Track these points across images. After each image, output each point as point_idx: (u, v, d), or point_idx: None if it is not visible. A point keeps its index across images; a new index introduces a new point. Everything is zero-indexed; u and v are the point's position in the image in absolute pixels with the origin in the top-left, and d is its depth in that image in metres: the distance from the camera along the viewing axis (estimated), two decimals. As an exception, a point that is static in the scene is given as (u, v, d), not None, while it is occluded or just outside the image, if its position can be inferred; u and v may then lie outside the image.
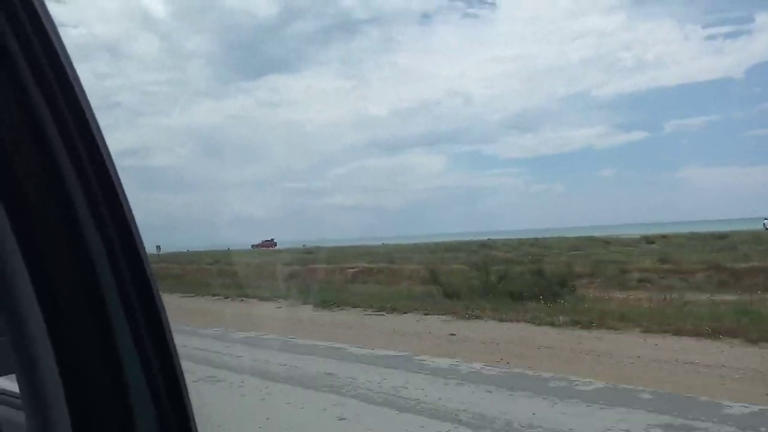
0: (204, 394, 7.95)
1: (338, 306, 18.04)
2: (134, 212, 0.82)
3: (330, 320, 15.55)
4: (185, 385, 0.84)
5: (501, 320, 13.77)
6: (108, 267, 0.77)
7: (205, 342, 12.33)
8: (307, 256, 44.68)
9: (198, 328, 14.25)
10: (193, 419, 0.84)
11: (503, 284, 18.03)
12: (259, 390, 8.21)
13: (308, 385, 8.36)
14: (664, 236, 42.34)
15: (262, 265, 37.60)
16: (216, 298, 23.08)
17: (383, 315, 15.94)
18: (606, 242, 41.39)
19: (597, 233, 53.21)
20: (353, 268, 32.59)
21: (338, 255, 42.89)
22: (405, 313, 15.92)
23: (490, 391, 7.79)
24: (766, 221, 52.43)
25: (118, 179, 0.80)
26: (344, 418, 6.84)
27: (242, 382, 8.63)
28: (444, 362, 9.50)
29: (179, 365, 0.83)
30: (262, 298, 21.36)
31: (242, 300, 21.75)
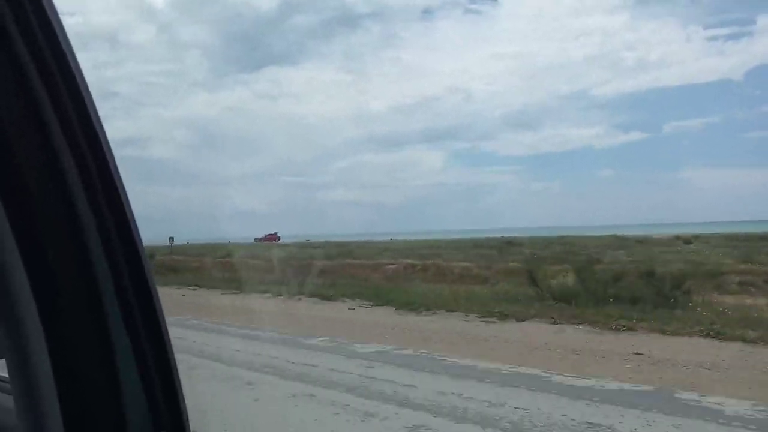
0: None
1: (426, 309, 15.27)
2: (132, 204, 0.79)
3: (440, 328, 12.79)
4: (180, 381, 0.82)
5: (663, 333, 11.13)
6: (105, 259, 0.75)
7: (339, 361, 9.48)
8: (324, 251, 41.87)
9: (300, 338, 11.44)
10: (186, 414, 0.82)
11: (615, 287, 15.44)
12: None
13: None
14: (696, 237, 40.13)
15: (287, 260, 34.69)
16: (267, 295, 20.18)
17: (496, 323, 13.19)
18: (639, 242, 39.01)
19: (597, 233, 50.68)
20: (391, 264, 29.86)
21: (357, 250, 39.94)
22: (522, 320, 13.20)
23: None
24: None
25: (117, 170, 0.77)
26: None
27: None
28: (733, 404, 6.69)
29: (174, 360, 0.81)
30: (324, 297, 18.54)
31: (300, 299, 18.92)
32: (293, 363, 9.29)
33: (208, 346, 10.83)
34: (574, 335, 11.40)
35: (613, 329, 11.66)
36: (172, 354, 0.82)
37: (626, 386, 7.45)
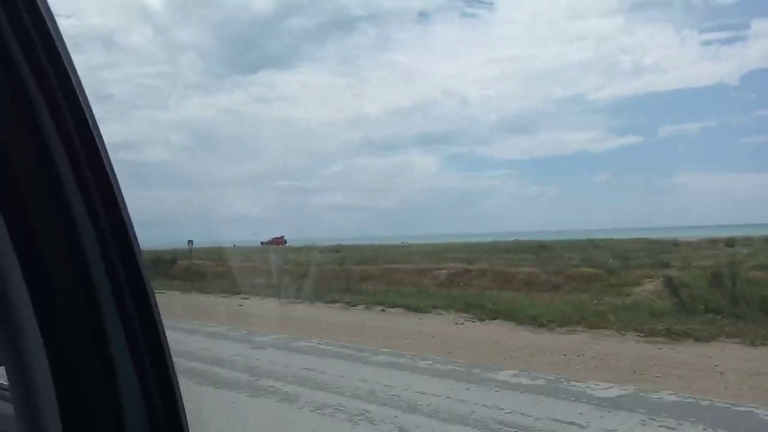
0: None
1: (559, 325, 12.73)
2: (128, 208, 0.78)
3: (618, 352, 10.27)
4: (178, 383, 0.80)
5: None
6: (101, 262, 0.74)
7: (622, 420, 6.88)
8: (344, 255, 39.11)
9: (478, 370, 8.80)
10: (185, 415, 0.81)
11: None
12: None
13: None
14: (732, 240, 38.12)
15: (320, 265, 31.93)
16: (337, 305, 17.50)
17: (670, 344, 10.71)
18: (675, 244, 36.90)
19: (599, 236, 48.34)
20: (441, 269, 27.30)
21: (381, 254, 37.12)
22: (706, 341, 10.74)
23: None
24: None
25: (116, 180, 0.77)
26: None
27: None
28: None
29: (171, 361, 0.80)
30: (413, 309, 15.90)
31: (383, 310, 16.27)
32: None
33: (392, 388, 8.13)
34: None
35: None
36: (170, 355, 0.80)
37: None
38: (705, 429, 6.10)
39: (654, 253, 29.28)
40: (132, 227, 0.78)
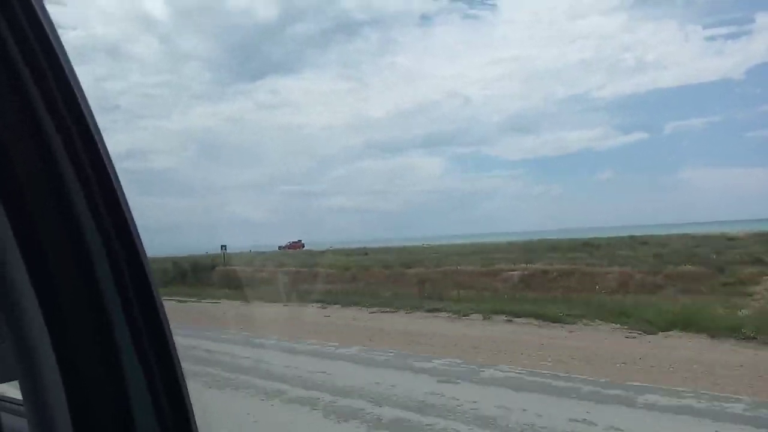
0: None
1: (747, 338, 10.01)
2: (133, 215, 0.78)
3: None
4: (186, 388, 0.79)
5: None
6: (108, 271, 0.73)
7: None
8: (382, 258, 36.18)
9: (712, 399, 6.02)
10: (193, 417, 0.79)
11: None
12: None
13: None
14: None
15: (370, 269, 28.97)
16: (444, 315, 14.59)
17: None
18: (730, 239, 34.31)
19: (603, 234, 45.46)
20: (511, 271, 24.49)
21: (421, 257, 34.06)
22: None
23: None
24: None
25: (118, 180, 0.76)
26: None
27: None
28: None
29: (180, 367, 0.79)
30: (544, 318, 13.07)
31: (510, 320, 13.41)
32: None
33: None
34: None
35: None
36: (177, 357, 0.79)
37: None
38: None
39: (722, 249, 26.64)
40: (136, 229, 0.77)
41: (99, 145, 0.74)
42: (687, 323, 11.46)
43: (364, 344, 11.10)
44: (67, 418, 0.69)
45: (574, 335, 11.69)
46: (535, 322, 13.09)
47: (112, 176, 0.75)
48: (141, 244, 0.77)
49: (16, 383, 0.76)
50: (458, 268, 26.98)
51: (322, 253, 45.16)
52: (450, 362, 9.22)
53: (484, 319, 13.88)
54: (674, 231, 44.67)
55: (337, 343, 11.25)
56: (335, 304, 17.80)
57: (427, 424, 6.13)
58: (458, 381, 8.05)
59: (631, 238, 37.94)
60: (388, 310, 16.22)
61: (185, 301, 21.00)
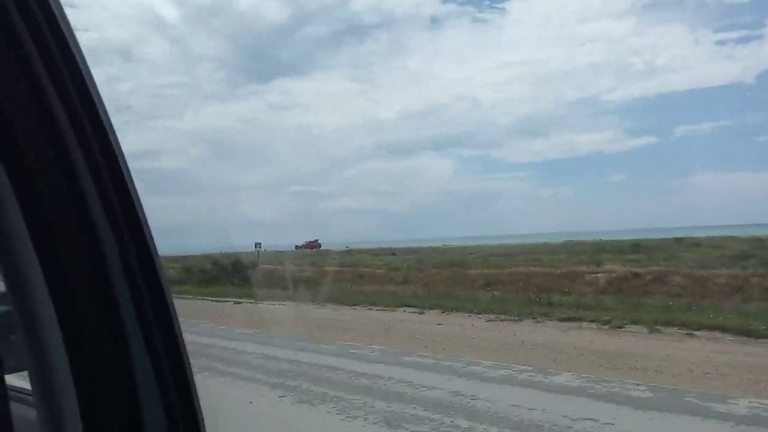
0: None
1: None
2: (146, 214, 0.77)
3: None
4: (194, 384, 0.78)
5: None
6: (121, 268, 0.73)
7: None
8: (416, 257, 33.31)
9: None
10: (201, 412, 0.78)
11: None
12: None
13: None
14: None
15: (423, 270, 26.04)
16: (590, 325, 11.69)
17: None
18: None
19: (630, 236, 42.48)
20: (594, 273, 21.64)
21: (462, 258, 31.06)
22: None
23: None
24: None
25: (131, 177, 0.75)
26: None
27: None
28: None
29: (189, 364, 0.78)
30: (734, 332, 10.25)
31: (690, 334, 10.55)
32: None
33: None
34: None
35: None
36: (186, 353, 0.77)
37: None
38: None
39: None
40: (148, 226, 0.76)
41: (113, 144, 0.73)
42: None
43: (568, 369, 8.11)
44: (76, 410, 0.68)
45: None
46: (731, 336, 10.24)
47: (125, 173, 0.74)
48: (152, 241, 0.76)
49: (26, 374, 0.73)
50: (529, 269, 24.22)
51: (346, 252, 42.01)
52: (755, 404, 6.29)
53: (651, 332, 11.01)
54: (678, 234, 41.86)
55: (528, 367, 8.25)
56: (427, 308, 14.90)
57: None
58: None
59: (677, 240, 35.11)
60: (507, 317, 13.29)
61: (251, 303, 18.03)
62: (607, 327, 11.61)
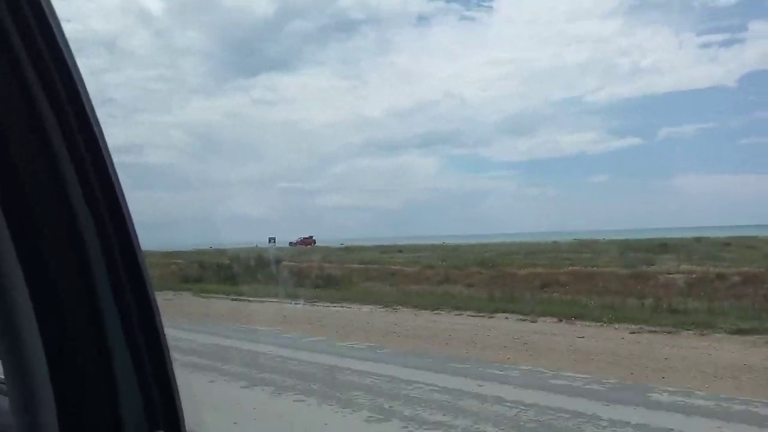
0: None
1: None
2: (130, 210, 0.75)
3: None
4: (175, 378, 0.76)
5: None
6: (103, 261, 0.70)
7: None
8: (441, 253, 30.83)
9: None
10: (182, 413, 0.76)
11: None
12: None
13: None
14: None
15: (455, 269, 23.52)
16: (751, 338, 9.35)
17: None
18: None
19: (622, 237, 41.07)
20: (669, 274, 19.45)
21: (478, 257, 28.70)
22: None
23: None
24: None
25: (115, 172, 0.72)
26: None
27: None
28: None
29: (170, 357, 0.75)
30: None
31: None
32: None
33: None
34: None
35: None
36: (169, 353, 0.75)
37: None
38: None
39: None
40: (132, 224, 0.73)
41: (98, 137, 0.71)
42: None
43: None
44: (52, 403, 0.65)
45: None
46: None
47: (109, 168, 0.72)
48: (136, 236, 0.73)
49: None
50: (585, 269, 22.10)
51: (345, 249, 39.04)
52: None
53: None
54: (668, 234, 40.49)
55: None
56: (530, 314, 12.41)
57: None
58: None
59: (697, 239, 33.35)
60: (653, 329, 10.81)
61: (306, 305, 15.19)
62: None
